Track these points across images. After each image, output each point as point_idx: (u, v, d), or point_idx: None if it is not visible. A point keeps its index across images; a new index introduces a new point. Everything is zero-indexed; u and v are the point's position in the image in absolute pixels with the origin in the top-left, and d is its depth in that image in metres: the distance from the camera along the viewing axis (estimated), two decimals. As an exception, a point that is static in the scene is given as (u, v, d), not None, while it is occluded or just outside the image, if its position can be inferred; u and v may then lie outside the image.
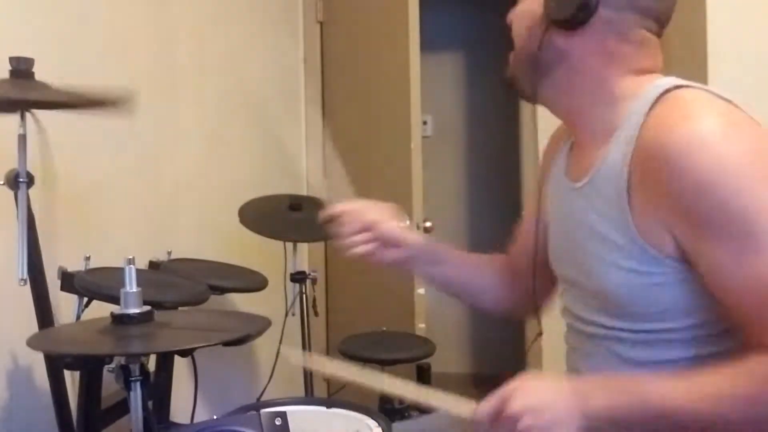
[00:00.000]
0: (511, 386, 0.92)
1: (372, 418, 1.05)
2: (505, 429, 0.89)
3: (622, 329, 0.97)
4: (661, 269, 0.91)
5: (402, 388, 1.04)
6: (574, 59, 0.98)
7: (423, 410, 2.15)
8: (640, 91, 0.94)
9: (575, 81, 0.99)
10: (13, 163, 1.27)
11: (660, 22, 0.98)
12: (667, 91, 0.92)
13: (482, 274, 1.29)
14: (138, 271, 1.06)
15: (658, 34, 0.99)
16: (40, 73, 1.28)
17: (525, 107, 2.86)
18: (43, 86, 1.25)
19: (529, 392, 0.91)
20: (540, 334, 1.26)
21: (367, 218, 1.21)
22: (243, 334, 1.09)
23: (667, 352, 0.94)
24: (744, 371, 0.85)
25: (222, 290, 1.84)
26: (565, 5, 0.94)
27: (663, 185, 0.87)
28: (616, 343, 0.98)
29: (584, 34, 0.95)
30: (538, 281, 1.16)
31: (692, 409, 0.85)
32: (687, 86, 0.93)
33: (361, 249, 1.19)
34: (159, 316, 1.08)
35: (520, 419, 0.87)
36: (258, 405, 1.09)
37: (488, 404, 0.91)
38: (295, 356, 1.08)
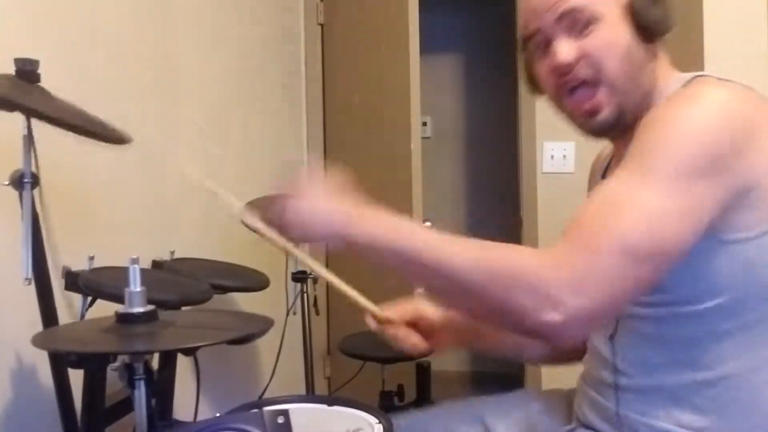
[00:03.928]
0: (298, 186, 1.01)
1: (373, 416, 1.06)
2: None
3: (642, 304, 0.97)
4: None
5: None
6: (655, 67, 1.01)
7: (423, 409, 2.17)
8: (666, 84, 1.00)
9: (639, 86, 1.01)
10: (17, 164, 1.28)
11: None
12: (693, 80, 0.97)
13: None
14: (141, 270, 1.07)
15: None
16: (46, 76, 1.29)
17: (524, 108, 2.87)
18: (47, 96, 1.27)
19: (300, 207, 0.99)
20: None
21: (412, 317, 1.25)
22: (246, 333, 1.10)
23: (684, 328, 0.94)
24: (499, 245, 0.89)
25: (224, 289, 1.85)
26: (660, 22, 0.97)
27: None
28: (637, 321, 0.99)
29: (656, 44, 1.01)
30: None
31: (446, 259, 0.88)
32: (710, 76, 0.97)
33: (422, 348, 1.22)
34: (162, 315, 1.09)
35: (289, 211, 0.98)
36: (260, 403, 1.10)
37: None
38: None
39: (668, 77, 1.01)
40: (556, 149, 2.80)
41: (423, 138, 2.79)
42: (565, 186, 2.70)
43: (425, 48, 2.66)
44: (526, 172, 2.88)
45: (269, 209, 0.99)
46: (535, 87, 1.11)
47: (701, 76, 0.98)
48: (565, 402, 1.21)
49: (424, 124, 3.94)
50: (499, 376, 3.66)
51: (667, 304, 0.95)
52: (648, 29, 0.97)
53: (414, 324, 1.24)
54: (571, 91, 1.00)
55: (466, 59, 4.12)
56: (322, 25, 3.09)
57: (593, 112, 1.00)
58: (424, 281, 0.96)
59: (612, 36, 0.97)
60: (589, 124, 1.02)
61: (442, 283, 0.91)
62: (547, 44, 1.02)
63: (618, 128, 1.01)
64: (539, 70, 1.06)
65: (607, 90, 0.98)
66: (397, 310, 1.25)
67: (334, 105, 3.08)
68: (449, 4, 3.99)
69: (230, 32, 2.44)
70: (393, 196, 2.67)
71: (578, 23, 0.98)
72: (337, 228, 0.96)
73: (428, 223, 2.59)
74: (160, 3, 2.01)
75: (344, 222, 0.96)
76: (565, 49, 0.98)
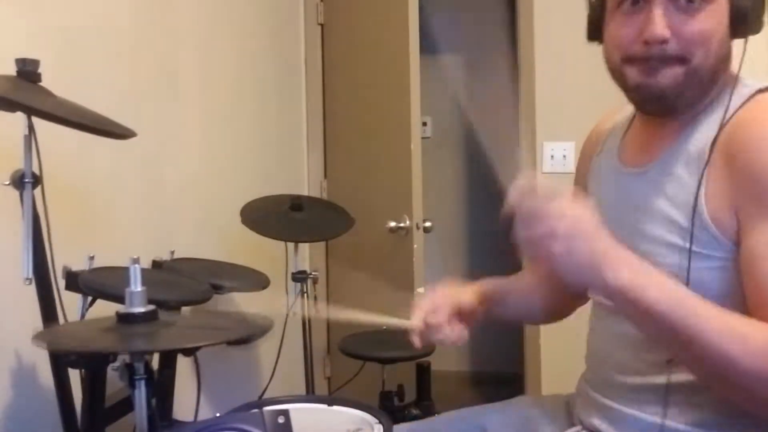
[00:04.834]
0: (559, 201, 0.88)
1: (373, 416, 1.06)
2: (530, 226, 0.87)
3: None
4: (721, 253, 0.93)
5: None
6: (728, 61, 1.00)
7: (423, 409, 2.17)
8: (726, 86, 0.98)
9: (713, 79, 0.99)
10: (18, 164, 1.28)
11: None
12: (761, 91, 0.97)
13: (529, 295, 1.31)
14: (142, 270, 1.07)
15: None
16: (46, 76, 1.29)
17: (524, 108, 2.87)
18: (48, 94, 1.27)
19: (574, 210, 0.88)
20: None
21: (442, 311, 1.19)
22: (246, 334, 1.10)
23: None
24: (751, 322, 0.86)
25: (224, 289, 1.85)
26: (756, 20, 0.96)
27: (742, 173, 0.91)
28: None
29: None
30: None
31: (718, 336, 0.84)
32: None
33: (457, 339, 1.19)
34: (163, 315, 1.09)
35: (549, 221, 0.85)
36: (260, 403, 1.10)
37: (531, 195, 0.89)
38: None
39: (733, 78, 1.00)
40: (556, 149, 2.80)
41: (423, 138, 2.78)
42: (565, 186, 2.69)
43: (425, 48, 2.66)
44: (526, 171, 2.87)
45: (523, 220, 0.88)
46: (597, 34, 1.06)
47: (760, 91, 0.97)
48: (565, 407, 1.21)
49: (424, 124, 3.94)
50: (499, 377, 3.66)
51: None
52: (744, 25, 0.96)
53: (452, 315, 1.20)
54: (647, 59, 0.97)
55: (467, 59, 4.12)
56: (322, 25, 3.09)
57: (662, 87, 0.97)
58: (674, 348, 0.91)
59: (715, 23, 0.95)
60: (649, 92, 0.98)
61: (706, 359, 0.86)
62: (638, 1, 0.96)
63: (669, 109, 1.00)
64: (619, 26, 1.00)
65: (687, 73, 0.96)
66: (435, 308, 1.19)
67: (334, 105, 3.08)
68: (449, 4, 3.99)
69: (230, 32, 2.44)
70: (393, 196, 2.68)
71: None
72: (604, 269, 0.86)
73: (428, 223, 2.59)
74: (161, 3, 2.01)
75: (613, 264, 0.86)
76: (663, 24, 0.94)
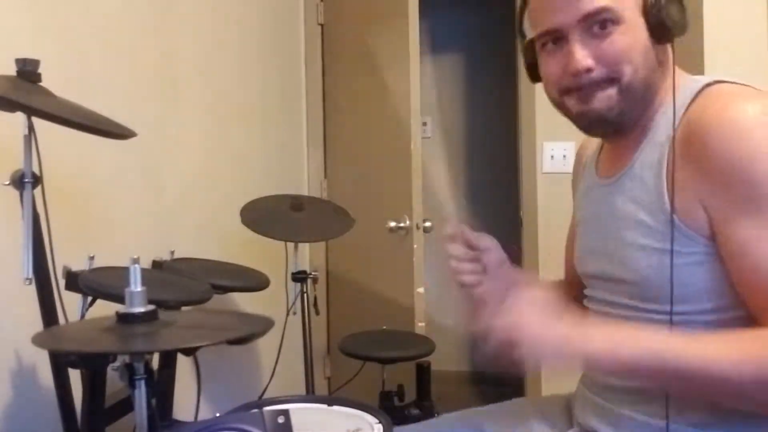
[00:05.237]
0: (518, 321, 0.93)
1: (373, 416, 1.06)
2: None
3: (655, 311, 0.99)
4: (693, 248, 0.94)
5: None
6: (663, 68, 1.01)
7: (423, 409, 2.17)
8: (677, 84, 0.99)
9: (649, 88, 1.01)
10: (18, 164, 1.28)
11: None
12: (708, 84, 0.97)
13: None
14: (142, 270, 1.07)
15: None
16: (47, 76, 1.29)
17: (524, 108, 2.87)
18: (48, 94, 1.27)
19: (534, 336, 0.92)
20: None
21: (479, 245, 1.19)
22: (246, 333, 1.09)
23: (695, 330, 0.95)
24: (755, 335, 0.87)
25: (224, 289, 1.85)
26: (677, 22, 0.97)
27: (703, 164, 0.91)
28: (647, 324, 0.99)
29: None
30: None
31: (701, 364, 0.86)
32: (726, 81, 0.98)
33: (467, 278, 1.18)
34: (163, 315, 1.09)
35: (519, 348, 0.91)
36: (260, 403, 1.10)
37: (500, 329, 0.93)
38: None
39: (677, 79, 1.00)
40: (556, 149, 2.80)
41: (423, 138, 2.79)
42: (565, 186, 2.68)
43: (425, 48, 2.66)
44: (526, 172, 2.88)
45: (489, 343, 0.94)
46: (535, 76, 1.10)
47: (717, 82, 0.98)
48: (564, 408, 1.21)
49: (425, 124, 3.94)
50: (499, 377, 3.66)
51: (688, 313, 0.96)
52: (664, 30, 0.97)
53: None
54: (579, 88, 1.00)
55: (467, 59, 4.12)
56: (322, 25, 3.09)
57: (598, 110, 1.00)
58: (678, 386, 0.92)
59: (632, 39, 0.97)
60: (588, 118, 1.02)
61: (699, 387, 0.89)
62: (558, 40, 1.01)
63: (614, 128, 1.03)
64: (547, 64, 1.04)
65: (620, 91, 0.98)
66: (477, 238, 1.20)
67: (334, 105, 3.08)
68: (449, 4, 3.99)
69: (230, 32, 2.44)
70: (393, 196, 2.68)
71: (599, 24, 0.97)
72: (573, 350, 0.92)
73: (428, 223, 2.59)
74: (161, 3, 2.01)
75: (579, 342, 0.92)
76: (584, 53, 0.98)
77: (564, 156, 2.77)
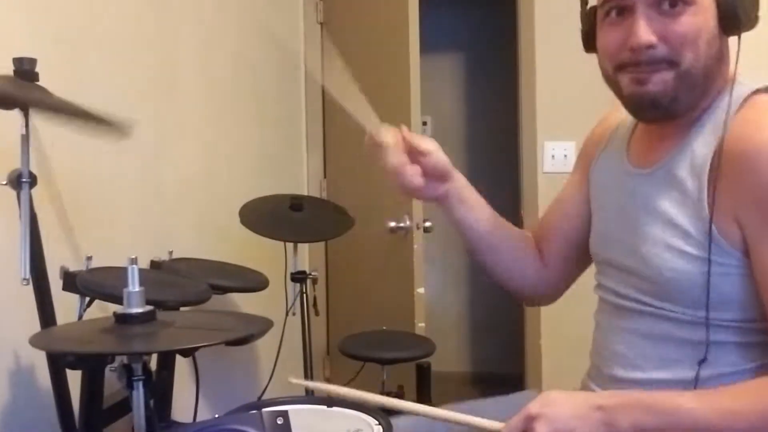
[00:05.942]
0: (535, 405, 0.92)
1: (372, 417, 1.06)
2: None
3: (669, 310, 0.98)
4: (726, 260, 0.93)
5: (421, 408, 1.04)
6: (721, 63, 0.99)
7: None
8: (725, 86, 0.98)
9: (706, 79, 0.98)
10: (15, 163, 1.27)
11: None
12: (755, 92, 0.96)
13: (515, 242, 1.27)
14: (140, 270, 1.06)
15: None
16: (44, 75, 1.28)
17: (525, 108, 2.87)
18: (45, 92, 1.26)
19: (554, 417, 0.91)
20: None
21: (419, 148, 1.15)
22: (245, 334, 1.09)
23: (715, 335, 0.96)
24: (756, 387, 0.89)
25: (223, 290, 1.84)
26: (752, 17, 0.95)
27: (744, 180, 0.90)
28: (664, 321, 0.99)
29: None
30: (567, 265, 1.21)
31: (725, 425, 0.87)
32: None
33: (410, 181, 1.13)
34: (161, 315, 1.08)
35: None
36: (259, 404, 1.10)
37: (514, 425, 0.93)
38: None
39: (731, 78, 0.99)
40: (556, 149, 2.79)
41: (423, 138, 2.78)
42: (565, 186, 2.69)
43: (425, 48, 2.65)
44: (527, 171, 2.87)
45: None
46: (590, 45, 1.06)
47: (762, 90, 0.97)
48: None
49: (425, 123, 3.94)
50: (499, 377, 3.66)
51: (712, 319, 0.96)
52: (735, 21, 0.94)
53: (414, 158, 1.15)
54: (636, 64, 0.97)
55: (467, 58, 4.11)
56: (322, 25, 3.09)
57: (653, 93, 0.96)
58: None
59: (700, 24, 0.94)
60: (640, 100, 0.98)
61: None
62: (623, 11, 0.97)
63: (664, 114, 0.99)
64: (606, 36, 1.01)
65: (677, 77, 0.96)
66: (399, 136, 1.16)
67: (334, 105, 3.08)
68: (449, 3, 3.98)
69: (230, 31, 2.44)
70: (393, 196, 2.67)
71: (670, 1, 0.93)
72: (601, 426, 0.91)
73: (428, 223, 2.59)
74: (160, 3, 2.00)
75: (606, 419, 0.91)
76: (647, 30, 0.94)
77: (565, 156, 2.76)
